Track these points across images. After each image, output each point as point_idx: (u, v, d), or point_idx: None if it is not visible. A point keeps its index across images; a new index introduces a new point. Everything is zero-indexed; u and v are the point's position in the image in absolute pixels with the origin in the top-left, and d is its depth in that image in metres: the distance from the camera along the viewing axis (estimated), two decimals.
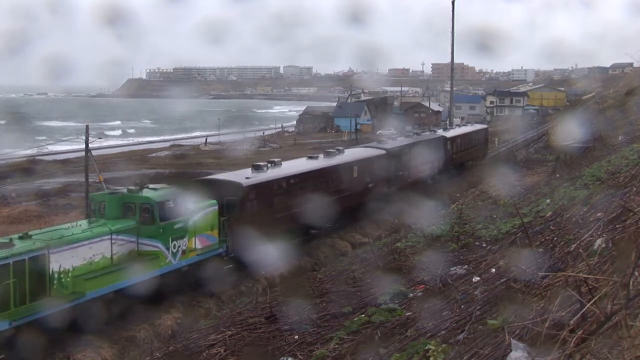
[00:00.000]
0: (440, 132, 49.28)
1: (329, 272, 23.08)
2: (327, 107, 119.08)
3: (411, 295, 14.96)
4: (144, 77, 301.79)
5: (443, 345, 9.70)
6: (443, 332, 10.91)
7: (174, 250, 21.04)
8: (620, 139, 32.99)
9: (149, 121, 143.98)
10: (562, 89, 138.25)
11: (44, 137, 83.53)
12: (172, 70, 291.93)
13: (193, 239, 21.83)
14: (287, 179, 27.87)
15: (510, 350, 7.26)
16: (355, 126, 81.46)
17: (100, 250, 18.86)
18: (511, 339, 7.46)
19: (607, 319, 6.18)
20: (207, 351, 15.02)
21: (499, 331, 8.74)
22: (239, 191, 24.75)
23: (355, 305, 15.38)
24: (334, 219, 28.45)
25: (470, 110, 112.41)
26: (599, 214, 13.42)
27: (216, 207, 23.04)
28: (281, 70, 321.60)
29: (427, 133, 49.63)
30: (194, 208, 21.96)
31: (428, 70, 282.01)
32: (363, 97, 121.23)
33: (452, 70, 77.42)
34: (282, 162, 29.64)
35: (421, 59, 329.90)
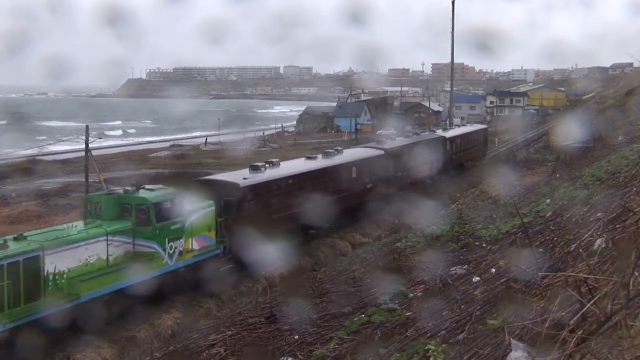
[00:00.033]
0: (439, 132, 49.27)
1: (329, 272, 23.07)
2: (327, 107, 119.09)
3: (411, 295, 14.95)
4: (144, 77, 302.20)
5: (443, 345, 9.70)
6: (443, 332, 10.91)
7: (171, 252, 20.89)
8: (620, 139, 32.98)
9: (149, 121, 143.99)
10: (562, 89, 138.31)
11: (44, 137, 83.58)
12: (172, 70, 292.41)
13: (190, 240, 21.71)
14: (285, 179, 27.83)
15: (510, 350, 7.26)
16: (355, 126, 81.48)
17: (96, 251, 18.70)
18: (511, 339, 7.47)
19: (607, 319, 6.18)
20: (207, 351, 15.02)
21: (499, 331, 8.74)
22: (237, 192, 24.72)
23: (355, 305, 15.37)
24: (333, 220, 28.43)
25: (470, 110, 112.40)
26: (599, 214, 13.42)
27: (213, 208, 22.92)
28: (281, 70, 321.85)
29: (427, 133, 49.63)
30: (191, 209, 21.81)
31: (428, 70, 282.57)
32: (363, 97, 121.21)
33: (452, 70, 77.42)
34: (280, 163, 29.60)
35: (421, 59, 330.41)
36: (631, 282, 6.27)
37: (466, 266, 16.11)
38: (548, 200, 21.28)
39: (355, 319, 13.92)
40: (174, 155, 73.33)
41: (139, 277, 19.29)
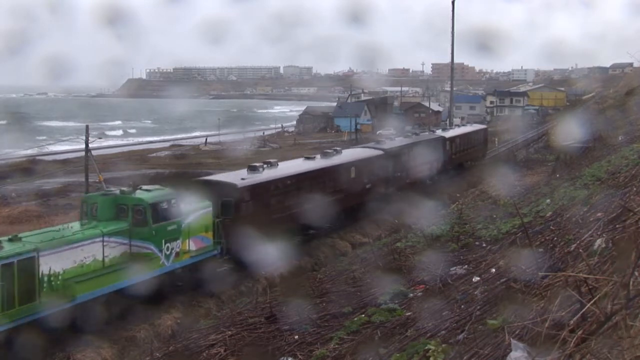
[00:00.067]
0: (439, 132, 49.28)
1: (329, 272, 23.07)
2: (327, 107, 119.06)
3: (411, 295, 14.96)
4: (144, 77, 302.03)
5: (443, 345, 9.71)
6: (443, 332, 10.92)
7: (167, 252, 20.77)
8: (620, 139, 32.99)
9: (149, 121, 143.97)
10: (562, 89, 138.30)
11: (44, 137, 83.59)
12: (172, 70, 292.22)
13: (187, 240, 21.59)
14: (283, 179, 27.81)
15: (510, 350, 7.26)
16: (355, 126, 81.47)
17: (91, 252, 18.58)
18: (511, 339, 7.47)
19: (607, 319, 6.18)
20: (207, 351, 15.02)
21: (499, 331, 8.74)
22: (235, 192, 24.68)
23: (355, 305, 15.37)
24: (332, 220, 28.44)
25: (470, 110, 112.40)
26: (599, 214, 13.42)
27: (211, 209, 22.81)
28: (281, 70, 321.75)
29: (426, 133, 49.64)
30: (188, 209, 21.70)
31: (428, 70, 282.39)
32: (363, 97, 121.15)
33: (452, 70, 77.43)
34: (279, 163, 29.59)
35: (421, 59, 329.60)
36: (631, 282, 6.27)
37: (466, 266, 16.11)
38: (548, 200, 21.28)
39: (355, 319, 13.92)
40: (174, 156, 73.31)
41: (136, 278, 19.19)
